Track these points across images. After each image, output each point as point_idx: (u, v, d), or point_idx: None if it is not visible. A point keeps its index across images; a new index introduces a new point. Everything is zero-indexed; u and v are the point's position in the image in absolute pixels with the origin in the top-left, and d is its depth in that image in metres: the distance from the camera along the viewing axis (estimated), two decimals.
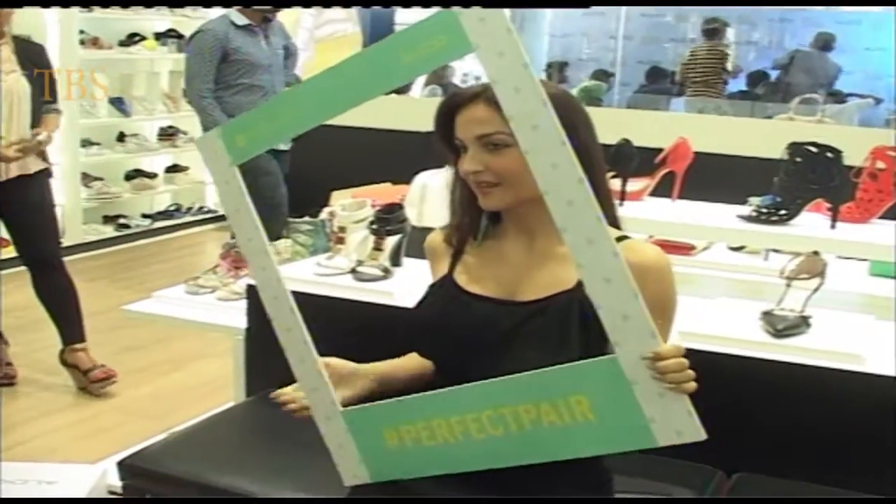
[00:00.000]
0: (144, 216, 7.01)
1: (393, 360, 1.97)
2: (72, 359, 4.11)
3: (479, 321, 1.79)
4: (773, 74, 9.47)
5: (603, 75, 9.46)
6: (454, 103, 1.79)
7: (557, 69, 9.74)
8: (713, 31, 8.99)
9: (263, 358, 2.77)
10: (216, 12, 5.44)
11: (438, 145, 1.85)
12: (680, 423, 1.51)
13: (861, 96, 8.82)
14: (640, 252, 1.75)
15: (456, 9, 1.52)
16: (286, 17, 5.74)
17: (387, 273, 2.70)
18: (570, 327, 1.71)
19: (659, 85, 9.53)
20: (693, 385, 1.52)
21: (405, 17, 9.14)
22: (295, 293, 1.76)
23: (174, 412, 3.67)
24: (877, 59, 9.77)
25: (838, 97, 8.73)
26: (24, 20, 4.12)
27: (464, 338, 1.79)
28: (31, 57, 4.08)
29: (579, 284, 1.74)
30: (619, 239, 1.77)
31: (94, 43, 6.58)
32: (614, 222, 1.84)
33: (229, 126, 1.80)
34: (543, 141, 1.50)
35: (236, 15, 4.91)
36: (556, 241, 1.72)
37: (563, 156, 1.49)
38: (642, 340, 1.49)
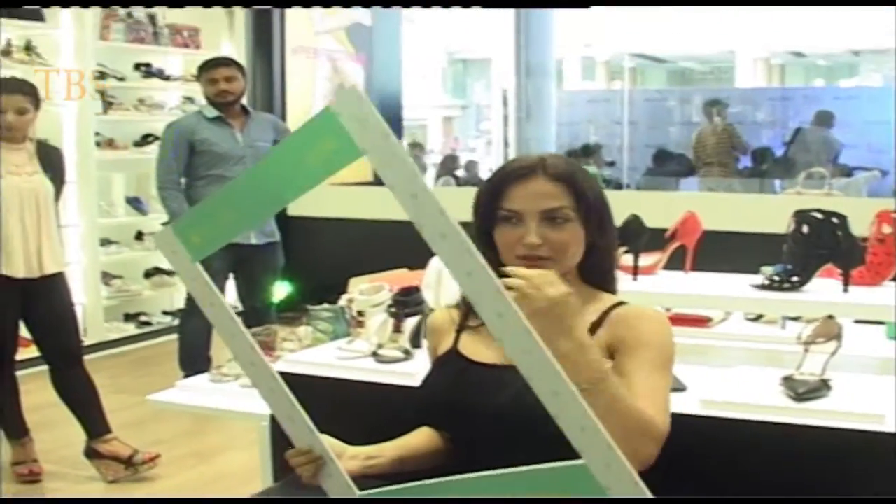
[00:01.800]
0: (165, 313, 7.06)
1: (397, 440, 2.00)
2: (107, 450, 4.16)
3: (487, 388, 1.84)
4: (778, 151, 9.59)
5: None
6: (513, 175, 1.86)
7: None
8: (712, 112, 9.18)
9: (289, 443, 2.79)
10: None
11: (477, 216, 1.90)
12: None
13: (867, 169, 8.92)
14: (636, 307, 1.91)
15: (333, 107, 1.47)
16: None
17: (407, 355, 2.74)
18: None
19: (666, 167, 9.66)
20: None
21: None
22: (317, 377, 1.79)
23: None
24: (878, 131, 9.90)
25: (845, 171, 8.84)
26: (42, 124, 4.25)
27: (474, 405, 1.84)
28: (52, 160, 4.21)
29: None
30: (619, 304, 1.91)
31: (110, 144, 6.73)
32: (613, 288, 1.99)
33: (181, 224, 1.78)
34: (449, 247, 1.43)
35: (207, 108, 5.16)
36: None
37: (471, 261, 1.43)
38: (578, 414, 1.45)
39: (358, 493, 1.79)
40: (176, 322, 6.29)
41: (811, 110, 9.73)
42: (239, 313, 5.16)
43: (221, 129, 5.10)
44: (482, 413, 1.83)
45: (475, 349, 1.92)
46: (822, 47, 15.95)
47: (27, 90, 4.09)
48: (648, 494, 1.45)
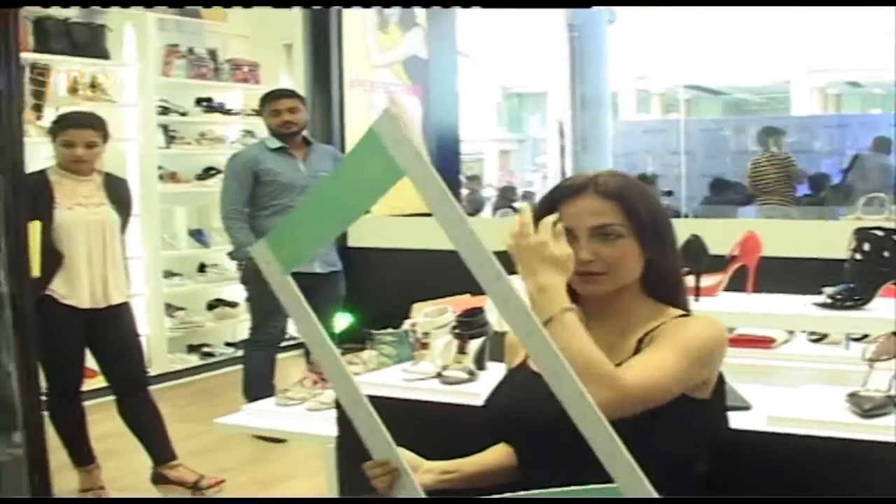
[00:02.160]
0: (228, 344, 7.15)
1: (474, 456, 2.05)
2: (174, 475, 4.25)
3: (546, 398, 1.85)
4: (836, 179, 9.53)
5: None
6: (561, 194, 1.92)
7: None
8: (767, 142, 9.16)
9: (355, 465, 2.81)
10: None
11: None
12: None
13: None
14: (697, 314, 1.97)
15: (375, 127, 1.54)
16: None
17: (472, 376, 2.76)
18: None
19: (723, 196, 9.63)
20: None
21: None
22: (384, 398, 1.83)
23: None
24: None
25: None
26: (107, 158, 4.38)
27: (532, 415, 1.86)
28: (119, 191, 4.33)
29: (632, 355, 1.84)
30: (682, 315, 1.95)
31: (172, 177, 6.87)
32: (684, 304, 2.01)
33: (273, 237, 1.85)
34: (477, 259, 1.50)
35: (270, 140, 5.22)
36: (628, 325, 1.89)
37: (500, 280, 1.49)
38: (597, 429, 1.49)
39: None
40: (239, 353, 6.39)
41: (868, 137, 9.66)
42: (300, 344, 5.28)
43: (284, 159, 5.18)
44: (539, 422, 1.85)
45: None
46: (878, 77, 15.82)
47: (96, 124, 4.22)
48: None
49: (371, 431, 1.84)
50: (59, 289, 4.09)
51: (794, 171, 9.13)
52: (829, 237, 4.98)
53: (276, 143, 5.19)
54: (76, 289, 4.12)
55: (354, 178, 1.63)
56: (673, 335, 1.85)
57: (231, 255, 5.55)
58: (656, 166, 10.91)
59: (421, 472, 1.94)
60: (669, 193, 10.20)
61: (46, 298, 4.02)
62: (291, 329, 7.45)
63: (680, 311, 1.96)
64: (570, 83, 10.60)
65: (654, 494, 1.47)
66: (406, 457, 1.88)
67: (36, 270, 3.41)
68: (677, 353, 1.81)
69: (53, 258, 4.03)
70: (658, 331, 1.90)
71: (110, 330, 4.25)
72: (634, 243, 1.91)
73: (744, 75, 15.67)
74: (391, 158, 1.52)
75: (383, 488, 1.85)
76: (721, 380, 1.98)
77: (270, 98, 5.29)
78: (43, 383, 4.13)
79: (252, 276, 5.07)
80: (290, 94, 5.38)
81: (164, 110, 6.73)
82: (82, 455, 4.31)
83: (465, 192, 8.88)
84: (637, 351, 1.88)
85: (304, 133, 5.36)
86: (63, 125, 4.18)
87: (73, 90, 6.08)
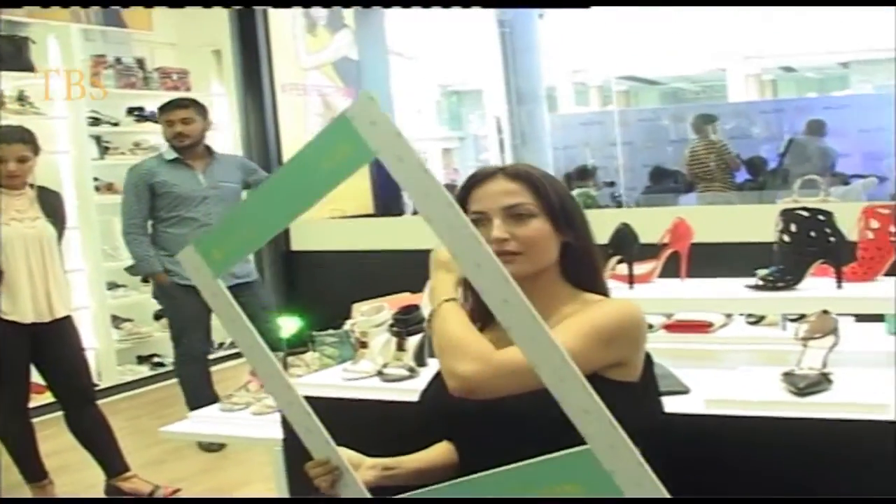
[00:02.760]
0: None
1: (416, 454, 2.07)
2: (128, 487, 4.24)
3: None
4: (773, 162, 9.64)
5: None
6: (474, 180, 1.95)
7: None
8: (704, 129, 9.24)
9: (303, 466, 2.82)
10: None
11: None
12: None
13: (863, 176, 8.97)
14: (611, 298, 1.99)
15: (347, 113, 1.55)
16: None
17: (412, 372, 2.77)
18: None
19: (664, 185, 9.70)
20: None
21: None
22: (325, 398, 1.84)
23: None
24: (874, 139, 9.94)
25: (842, 179, 8.89)
26: (40, 171, 4.35)
27: (470, 413, 1.86)
28: (52, 204, 4.29)
29: None
30: (598, 301, 1.96)
31: (109, 188, 6.81)
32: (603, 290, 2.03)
33: (202, 241, 1.85)
34: (458, 237, 1.51)
35: (168, 151, 5.14)
36: (548, 311, 1.87)
37: (484, 256, 1.50)
38: (581, 398, 1.49)
39: (370, 496, 1.84)
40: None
41: (803, 121, 9.79)
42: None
43: (181, 170, 5.09)
44: (471, 414, 1.86)
45: None
46: (812, 61, 16.03)
47: (27, 138, 4.18)
48: (652, 475, 1.49)
49: (308, 431, 1.85)
50: (1, 305, 4.04)
51: (730, 158, 9.22)
52: (766, 221, 5.06)
53: (173, 155, 5.11)
54: (18, 304, 4.09)
55: (315, 164, 1.62)
56: (580, 316, 1.86)
57: (129, 269, 5.52)
58: (595, 158, 10.96)
59: (362, 469, 1.94)
60: (612, 184, 10.26)
61: None
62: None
63: (598, 298, 1.98)
64: (505, 79, 10.64)
65: (634, 450, 1.48)
66: (347, 455, 1.89)
67: None
68: (571, 332, 1.79)
69: None
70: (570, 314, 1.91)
71: (55, 344, 4.21)
72: (547, 223, 1.93)
73: (679, 65, 15.79)
74: (361, 141, 1.53)
75: (326, 487, 1.86)
76: (649, 363, 1.99)
77: (163, 109, 5.19)
78: None
79: (160, 292, 5.09)
80: (184, 104, 5.21)
81: (96, 121, 6.67)
82: (34, 471, 4.28)
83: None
84: None
85: (207, 143, 5.28)
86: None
87: (1, 103, 6.01)
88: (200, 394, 5.01)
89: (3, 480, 4.33)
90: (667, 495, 1.53)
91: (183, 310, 4.96)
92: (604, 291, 2.03)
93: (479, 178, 1.96)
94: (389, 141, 1.51)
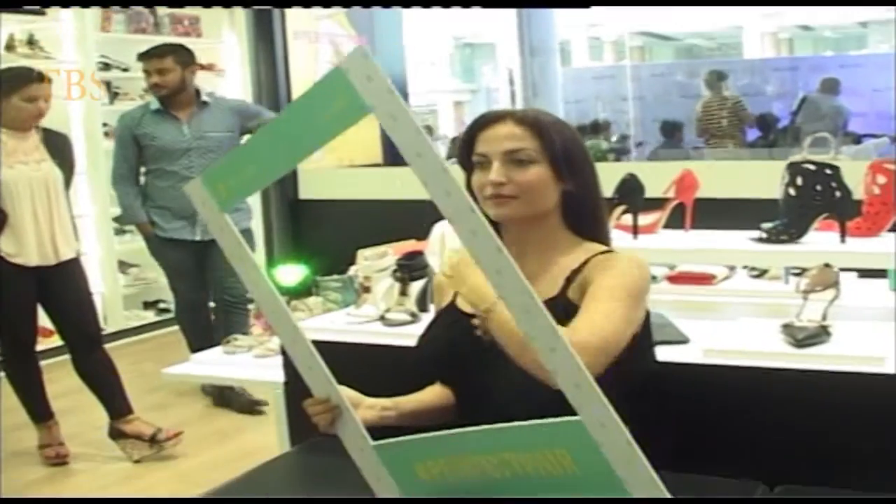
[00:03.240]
0: None
1: (414, 394, 2.07)
2: (131, 429, 4.27)
3: (473, 337, 1.87)
4: (785, 120, 9.59)
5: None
6: (482, 122, 1.94)
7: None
8: (718, 85, 9.20)
9: (303, 409, 2.85)
10: None
11: (460, 167, 1.97)
12: (647, 487, 1.52)
13: (876, 136, 8.92)
14: (616, 253, 1.96)
15: (342, 66, 1.51)
16: None
17: (414, 317, 2.79)
18: None
19: (675, 139, 9.65)
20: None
21: None
22: (328, 342, 1.85)
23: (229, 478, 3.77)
24: (888, 99, 9.88)
25: (854, 138, 8.85)
26: (50, 116, 4.33)
27: (468, 357, 1.90)
28: (59, 146, 4.30)
29: (561, 292, 1.86)
30: (602, 252, 1.95)
31: None
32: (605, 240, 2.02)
33: (210, 175, 1.83)
34: (453, 204, 1.49)
35: (154, 101, 4.91)
36: (548, 257, 1.89)
37: (478, 224, 1.48)
38: (572, 370, 1.48)
39: (371, 443, 1.85)
40: None
41: (818, 79, 9.72)
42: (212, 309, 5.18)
43: (165, 121, 4.87)
44: (466, 361, 1.90)
45: None
46: (830, 20, 15.89)
47: (48, 79, 4.19)
48: (640, 454, 1.49)
49: (310, 369, 1.86)
50: (6, 248, 4.07)
51: (744, 113, 9.18)
52: (774, 177, 5.04)
53: (157, 105, 4.90)
54: (23, 247, 4.10)
55: (311, 115, 1.60)
56: (608, 281, 1.85)
57: (118, 219, 5.39)
58: (606, 112, 10.93)
59: (362, 408, 1.96)
60: (626, 138, 10.16)
61: None
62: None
63: (602, 248, 1.98)
64: (518, 32, 10.59)
65: (624, 429, 1.48)
66: (347, 394, 1.90)
67: None
68: (620, 299, 1.82)
69: None
70: (586, 272, 1.91)
71: (62, 286, 4.24)
72: (548, 170, 1.92)
73: (695, 21, 15.68)
74: (356, 95, 1.50)
75: (325, 426, 1.87)
76: (647, 314, 2.01)
77: (141, 58, 4.94)
78: None
79: (146, 242, 5.04)
80: (159, 52, 4.88)
81: (106, 66, 6.65)
82: (40, 412, 4.32)
83: None
84: (565, 290, 1.91)
85: (199, 88, 4.99)
86: (24, 81, 4.09)
87: (9, 47, 6.00)
88: (200, 340, 4.82)
89: (4, 422, 4.38)
90: (653, 476, 1.52)
91: (167, 261, 5.00)
92: (605, 241, 2.03)
93: (487, 121, 1.95)
94: (383, 98, 1.49)
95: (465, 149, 1.96)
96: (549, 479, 1.63)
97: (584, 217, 2.01)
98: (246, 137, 5.00)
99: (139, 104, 5.29)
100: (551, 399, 1.73)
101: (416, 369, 2.03)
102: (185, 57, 4.90)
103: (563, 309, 1.79)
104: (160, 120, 4.87)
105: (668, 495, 1.53)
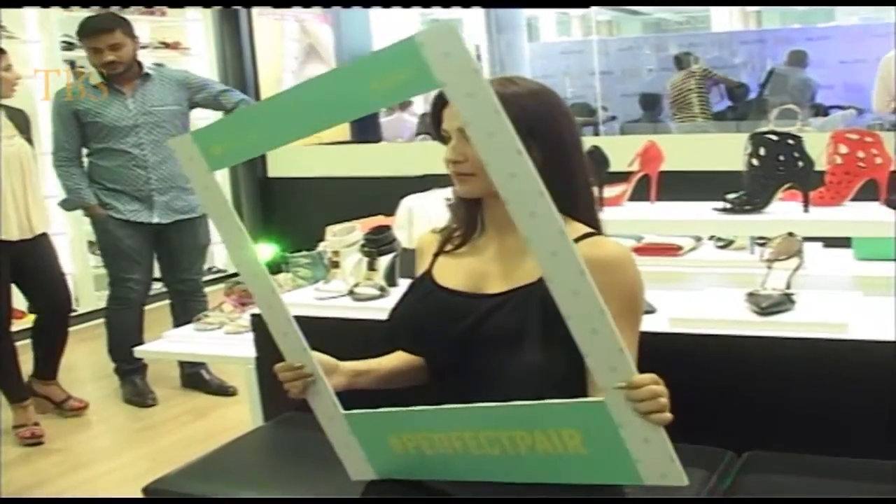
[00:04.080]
0: (155, 279, 7.08)
1: (378, 358, 2.04)
2: (43, 389, 4.49)
3: (446, 314, 1.88)
4: (753, 92, 9.64)
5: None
6: (442, 98, 1.85)
7: None
8: (679, 60, 9.29)
9: (275, 384, 2.85)
10: None
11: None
12: (664, 467, 1.57)
13: (842, 108, 8.98)
14: (600, 246, 1.83)
15: (418, 38, 1.46)
16: None
17: (383, 292, 2.81)
18: (528, 321, 1.76)
19: (655, 112, 9.66)
20: (667, 416, 1.55)
21: None
22: (298, 317, 1.83)
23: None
24: (855, 71, 9.93)
25: (821, 110, 8.90)
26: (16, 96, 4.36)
27: (434, 331, 1.88)
28: (25, 121, 4.34)
29: (541, 279, 1.85)
30: (587, 235, 1.86)
31: None
32: (594, 223, 1.91)
33: (203, 134, 1.78)
34: (519, 187, 1.49)
35: (94, 74, 4.57)
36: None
37: (541, 204, 1.49)
38: (612, 357, 1.52)
39: (342, 412, 1.86)
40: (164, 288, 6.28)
41: (785, 52, 9.76)
42: (162, 294, 5.08)
43: (107, 96, 4.51)
44: (437, 338, 1.88)
45: (446, 274, 1.95)
46: None
47: (3, 52, 4.20)
48: (664, 435, 1.55)
49: (285, 335, 1.86)
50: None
51: (718, 77, 9.25)
52: (740, 149, 5.08)
53: (98, 79, 4.52)
54: (6, 222, 4.12)
55: (362, 81, 1.54)
56: (614, 304, 1.66)
57: (62, 204, 4.77)
58: (575, 87, 10.92)
59: (336, 374, 1.93)
60: (605, 109, 10.13)
61: None
62: (219, 262, 7.50)
63: (585, 229, 1.87)
64: (485, 12, 10.57)
65: (634, 371, 1.53)
66: (322, 359, 1.89)
67: None
68: (626, 318, 1.78)
69: None
70: None
71: (35, 260, 4.30)
72: None
73: None
74: (427, 70, 1.46)
75: (296, 393, 1.87)
76: None
77: (86, 33, 4.50)
78: None
79: (94, 226, 4.67)
80: (109, 26, 4.45)
81: (69, 45, 6.57)
82: (15, 392, 4.33)
83: (387, 118, 8.85)
84: None
85: (140, 61, 4.63)
86: None
87: None
88: (127, 342, 4.33)
89: None
90: (673, 457, 1.56)
91: (120, 246, 4.60)
92: (590, 219, 1.91)
93: (444, 99, 1.85)
94: (462, 76, 1.45)
95: (435, 125, 1.90)
96: (545, 459, 1.65)
97: (560, 193, 1.78)
98: (195, 111, 4.81)
99: (74, 80, 4.91)
100: (523, 377, 1.76)
101: (386, 339, 2.02)
102: (129, 27, 4.56)
103: (540, 299, 1.71)
104: (100, 94, 4.51)
105: (686, 481, 1.56)
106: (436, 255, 2.01)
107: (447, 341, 1.86)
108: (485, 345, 1.81)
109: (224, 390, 4.77)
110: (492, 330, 1.80)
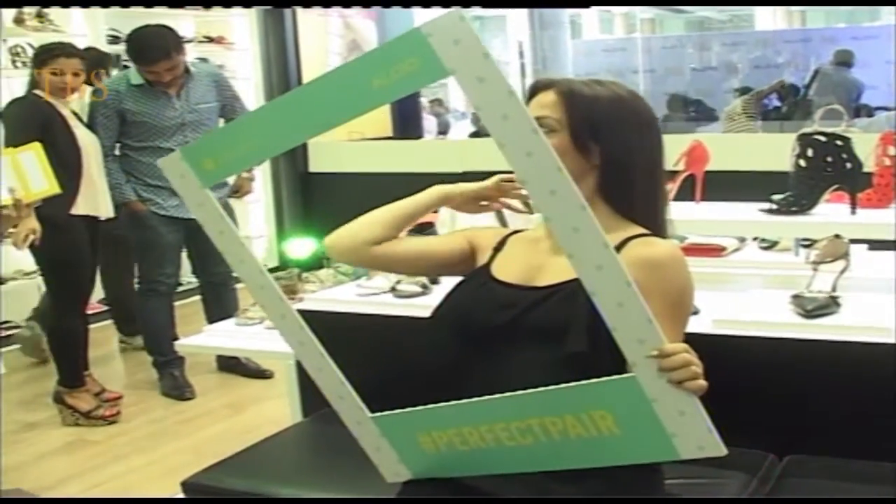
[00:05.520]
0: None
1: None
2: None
3: (494, 303, 1.88)
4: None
5: None
6: (531, 91, 1.91)
7: None
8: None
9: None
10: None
11: None
12: (701, 439, 1.55)
13: (888, 109, 8.87)
14: (650, 245, 1.84)
15: (424, 28, 1.45)
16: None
17: (425, 289, 2.80)
18: (575, 313, 1.75)
19: (683, 113, 9.60)
20: (701, 384, 1.54)
21: None
22: (338, 313, 1.83)
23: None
24: None
25: (867, 111, 8.79)
26: None
27: (480, 319, 1.88)
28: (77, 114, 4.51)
29: None
30: (639, 236, 1.88)
31: None
32: (654, 227, 1.93)
33: (192, 149, 1.76)
34: (537, 168, 1.47)
35: (133, 74, 4.59)
36: None
37: (559, 182, 1.47)
38: (640, 327, 1.51)
39: (369, 416, 1.84)
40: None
41: (830, 51, 9.65)
42: (195, 289, 5.11)
43: (153, 97, 4.56)
44: (481, 326, 1.87)
45: (503, 268, 1.96)
46: None
47: (81, 55, 4.38)
48: (699, 405, 1.54)
49: (301, 344, 1.83)
50: (83, 207, 4.29)
51: (766, 92, 9.06)
52: (785, 150, 5.03)
53: (140, 80, 4.55)
54: (99, 201, 4.37)
55: (363, 79, 1.52)
56: (665, 302, 1.74)
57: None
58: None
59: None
60: None
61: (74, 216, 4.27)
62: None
63: (639, 230, 1.89)
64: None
65: (664, 340, 1.52)
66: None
67: (56, 187, 3.57)
68: (673, 320, 1.77)
69: (76, 175, 4.24)
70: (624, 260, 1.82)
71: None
72: (566, 140, 1.85)
73: None
74: (435, 58, 1.45)
75: None
76: None
77: (144, 60, 4.53)
78: None
79: (133, 222, 4.65)
80: (164, 53, 4.48)
81: (115, 39, 6.62)
82: (72, 376, 4.44)
83: (429, 116, 8.88)
84: None
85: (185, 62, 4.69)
86: (54, 54, 4.28)
87: (18, 20, 5.98)
88: (162, 333, 4.72)
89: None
90: (710, 427, 1.54)
91: (160, 241, 4.65)
92: (651, 222, 1.92)
93: (533, 90, 1.92)
94: (472, 61, 1.43)
95: None
96: (579, 444, 1.63)
97: (617, 191, 1.91)
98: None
99: (117, 77, 4.90)
100: (566, 367, 1.74)
101: (431, 325, 1.98)
102: (178, 41, 4.61)
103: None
104: (147, 95, 4.55)
105: (725, 451, 1.54)
106: (495, 250, 2.02)
107: (491, 329, 1.86)
108: (528, 335, 1.82)
109: (261, 373, 4.83)
110: (536, 321, 1.82)
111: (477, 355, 1.89)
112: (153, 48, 4.50)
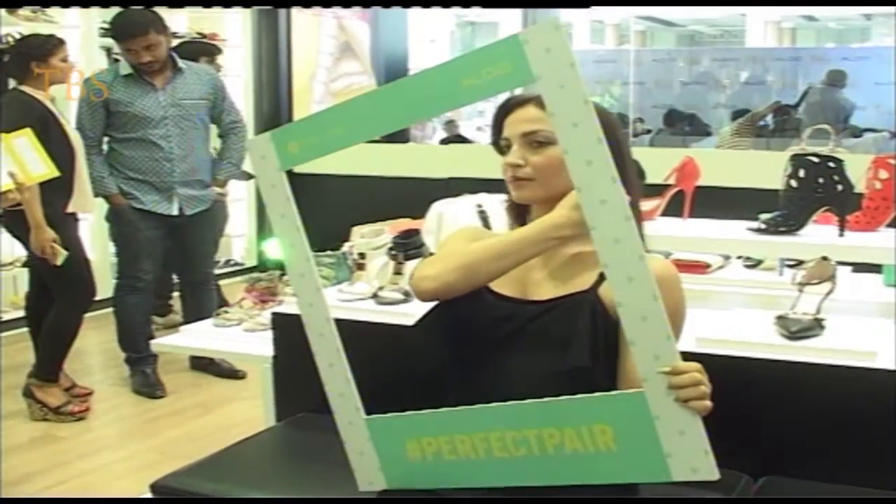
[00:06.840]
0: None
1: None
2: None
3: (492, 317, 1.88)
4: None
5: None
6: (507, 106, 1.93)
7: None
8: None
9: (291, 384, 2.84)
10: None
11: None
12: (696, 461, 1.58)
13: (876, 130, 8.91)
14: (650, 263, 1.81)
15: (522, 36, 1.55)
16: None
17: (407, 296, 2.77)
18: (576, 328, 1.78)
19: (677, 127, 9.62)
20: (707, 404, 1.60)
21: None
22: None
23: (210, 451, 3.74)
24: (888, 93, 9.85)
25: (855, 131, 8.83)
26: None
27: (476, 332, 1.88)
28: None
29: (593, 288, 1.83)
30: None
31: None
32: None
33: (282, 132, 1.85)
34: (594, 176, 1.56)
35: (124, 65, 4.58)
36: (578, 244, 1.81)
37: (612, 192, 1.55)
38: (658, 343, 1.56)
39: (364, 417, 1.84)
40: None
41: (820, 71, 9.69)
42: (244, 270, 5.12)
43: (139, 88, 4.54)
44: (484, 341, 1.87)
45: (502, 280, 1.93)
46: (834, 11, 15.83)
47: (64, 43, 4.38)
48: (700, 426, 1.56)
49: (321, 336, 1.88)
50: (77, 205, 4.29)
51: (761, 114, 9.00)
52: (775, 168, 5.03)
53: (128, 70, 4.54)
54: (87, 199, 4.35)
55: (454, 78, 1.62)
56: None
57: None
58: (606, 96, 10.90)
59: None
60: (641, 121, 10.09)
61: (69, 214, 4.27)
62: (237, 255, 7.49)
63: None
64: (522, 12, 10.57)
65: (678, 358, 1.57)
66: None
67: (55, 170, 3.61)
68: (678, 333, 1.83)
69: (71, 174, 4.22)
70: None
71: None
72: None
73: (699, 8, 15.62)
74: (525, 64, 1.54)
75: None
76: None
77: (120, 35, 4.57)
78: None
79: (113, 215, 4.65)
80: (141, 28, 4.45)
81: (108, 31, 6.57)
82: (54, 372, 4.41)
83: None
84: (597, 286, 1.84)
85: (173, 55, 4.67)
86: (59, 41, 4.30)
87: (11, 10, 5.93)
88: (137, 329, 4.71)
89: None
90: (708, 450, 1.57)
91: (137, 237, 4.61)
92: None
93: (511, 105, 1.94)
94: (559, 69, 1.53)
95: (496, 133, 1.96)
96: (571, 459, 1.64)
97: None
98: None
99: (105, 68, 4.93)
100: (565, 380, 1.73)
101: (420, 330, 1.97)
102: (161, 23, 4.58)
103: (591, 306, 1.80)
104: (132, 85, 4.53)
105: (717, 475, 1.57)
106: None
107: (490, 343, 1.86)
108: (527, 347, 1.83)
109: (234, 374, 4.81)
110: (538, 334, 1.83)
111: (471, 366, 1.89)
112: (132, 24, 4.51)
